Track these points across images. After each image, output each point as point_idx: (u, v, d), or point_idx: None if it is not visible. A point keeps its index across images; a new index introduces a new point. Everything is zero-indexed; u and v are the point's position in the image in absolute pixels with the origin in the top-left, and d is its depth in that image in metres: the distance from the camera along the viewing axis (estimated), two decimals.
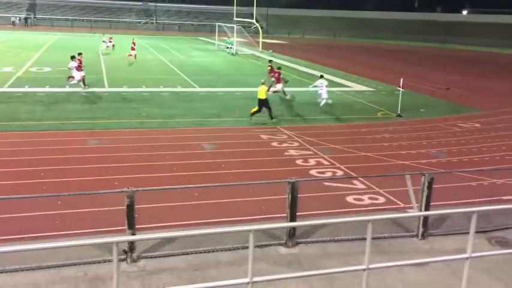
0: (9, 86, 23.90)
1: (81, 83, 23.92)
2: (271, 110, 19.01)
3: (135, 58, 36.84)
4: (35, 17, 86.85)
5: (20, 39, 53.07)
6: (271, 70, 26.38)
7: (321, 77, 22.55)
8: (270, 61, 28.73)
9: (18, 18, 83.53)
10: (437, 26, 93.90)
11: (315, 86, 22.34)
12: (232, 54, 47.78)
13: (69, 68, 23.96)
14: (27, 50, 41.49)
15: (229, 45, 49.76)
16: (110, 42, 43.64)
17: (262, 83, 19.35)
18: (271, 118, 18.89)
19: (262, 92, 18.88)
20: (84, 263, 7.51)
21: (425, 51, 69.30)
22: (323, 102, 21.70)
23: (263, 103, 18.82)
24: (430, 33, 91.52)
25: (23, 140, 14.93)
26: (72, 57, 23.87)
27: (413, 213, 9.20)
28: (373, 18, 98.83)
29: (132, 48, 37.15)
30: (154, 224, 9.13)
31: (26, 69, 29.92)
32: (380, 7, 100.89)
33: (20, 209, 9.37)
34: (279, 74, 25.00)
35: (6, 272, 7.18)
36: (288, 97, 24.41)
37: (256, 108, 18.89)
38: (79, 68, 23.80)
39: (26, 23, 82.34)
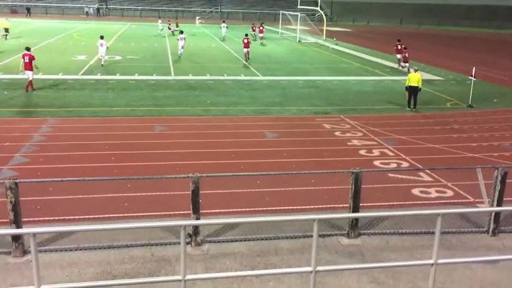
0: (83, 74, 25.14)
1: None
2: (417, 100, 19.14)
3: (261, 40, 45.73)
4: (106, 8, 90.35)
5: (92, 29, 55.57)
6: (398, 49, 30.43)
7: None
8: (399, 40, 31.31)
9: (91, 8, 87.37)
10: None
11: None
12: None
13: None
14: (99, 39, 43.29)
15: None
16: None
17: (416, 70, 19.45)
18: (414, 107, 19.06)
19: (414, 80, 18.90)
20: (151, 245, 7.83)
21: (499, 38, 65.39)
22: None
23: (414, 90, 18.96)
24: (505, 20, 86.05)
25: (95, 125, 15.71)
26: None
27: (485, 208, 8.79)
28: (441, 4, 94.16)
29: (261, 31, 45.70)
30: (217, 209, 9.33)
31: (98, 58, 31.29)
32: None
33: (92, 191, 9.90)
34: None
35: (81, 249, 7.64)
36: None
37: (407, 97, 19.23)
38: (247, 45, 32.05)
39: (98, 14, 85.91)
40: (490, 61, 36.34)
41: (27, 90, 20.24)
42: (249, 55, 32.51)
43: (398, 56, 30.47)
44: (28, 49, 20.87)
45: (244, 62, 31.47)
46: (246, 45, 32.30)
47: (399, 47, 30.46)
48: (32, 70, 20.38)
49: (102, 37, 28.76)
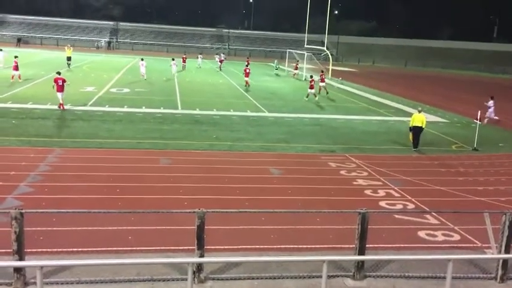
0: (91, 105, 25.41)
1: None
2: (419, 140, 19.32)
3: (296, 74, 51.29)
4: (117, 41, 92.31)
5: (102, 62, 56.51)
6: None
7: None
8: (322, 71, 39.11)
9: (101, 41, 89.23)
10: None
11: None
12: (277, 74, 53.00)
13: None
14: (108, 71, 44.02)
15: (276, 67, 55.72)
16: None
17: (420, 111, 19.60)
18: (416, 147, 19.24)
19: (419, 120, 19.08)
20: (154, 280, 7.71)
21: (504, 83, 65.97)
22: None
23: (419, 131, 19.13)
24: (510, 64, 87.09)
25: (101, 156, 15.75)
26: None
27: (494, 255, 8.65)
28: (447, 48, 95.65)
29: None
30: (221, 245, 9.22)
31: (106, 90, 31.70)
32: (454, 37, 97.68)
33: (97, 223, 9.84)
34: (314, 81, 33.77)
35: (82, 283, 7.52)
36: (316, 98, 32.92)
37: (412, 138, 19.37)
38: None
39: (108, 47, 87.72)
40: (496, 105, 36.46)
41: (63, 109, 23.24)
42: (248, 84, 38.82)
43: (322, 84, 36.30)
44: (59, 73, 23.90)
45: (246, 86, 38.37)
46: (247, 75, 39.25)
47: (323, 76, 37.37)
48: (62, 92, 23.20)
49: (142, 59, 40.18)
